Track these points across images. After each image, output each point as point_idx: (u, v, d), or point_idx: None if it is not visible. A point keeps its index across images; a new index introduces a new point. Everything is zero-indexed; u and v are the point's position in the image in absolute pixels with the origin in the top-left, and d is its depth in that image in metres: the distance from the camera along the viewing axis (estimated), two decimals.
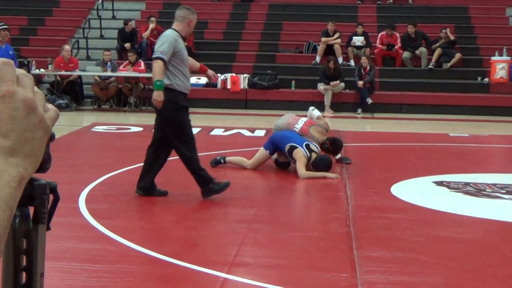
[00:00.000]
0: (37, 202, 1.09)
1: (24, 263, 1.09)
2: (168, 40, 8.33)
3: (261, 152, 10.37)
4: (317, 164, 9.89)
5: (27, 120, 0.98)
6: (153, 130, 8.73)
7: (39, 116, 1.00)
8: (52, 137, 1.04)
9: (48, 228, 1.13)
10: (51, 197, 1.13)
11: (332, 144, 10.47)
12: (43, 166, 1.04)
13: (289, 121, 10.65)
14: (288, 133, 10.30)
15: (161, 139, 8.46)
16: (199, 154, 11.90)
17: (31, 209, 1.10)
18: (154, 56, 8.32)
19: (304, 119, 10.70)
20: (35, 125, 0.99)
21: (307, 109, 19.55)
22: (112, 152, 12.25)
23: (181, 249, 6.36)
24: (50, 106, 1.05)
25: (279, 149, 10.17)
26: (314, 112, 11.30)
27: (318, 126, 10.54)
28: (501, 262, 6.24)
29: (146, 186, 8.43)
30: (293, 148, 9.96)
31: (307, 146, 9.97)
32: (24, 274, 1.09)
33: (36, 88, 1.03)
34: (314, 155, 9.95)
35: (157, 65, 8.22)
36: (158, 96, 8.21)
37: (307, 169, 9.90)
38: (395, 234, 7.23)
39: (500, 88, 20.26)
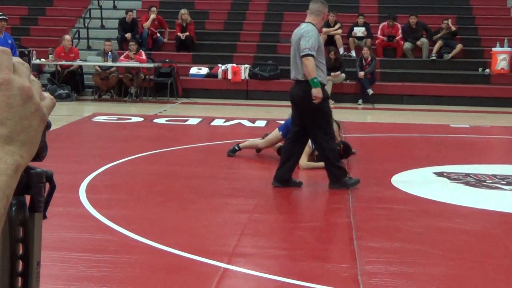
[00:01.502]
0: (34, 190, 1.09)
1: (21, 251, 1.09)
2: (313, 35, 8.48)
3: (275, 133, 10.39)
4: (321, 156, 9.86)
5: (23, 108, 0.98)
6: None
7: (35, 104, 0.99)
8: (48, 126, 1.04)
9: (45, 217, 1.13)
10: (47, 186, 1.12)
11: (344, 149, 10.43)
12: (40, 155, 1.04)
13: None
14: None
15: (298, 132, 8.63)
16: (200, 144, 11.94)
17: (28, 198, 1.10)
18: (303, 53, 8.38)
19: None
20: (31, 113, 0.98)
21: None
22: (113, 142, 12.25)
23: (182, 239, 6.36)
24: (46, 94, 1.05)
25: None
26: None
27: (337, 123, 10.54)
28: (502, 253, 6.24)
29: (284, 178, 8.56)
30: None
31: None
32: (20, 262, 1.09)
33: (32, 77, 1.03)
34: None
35: (310, 62, 8.36)
36: (318, 93, 8.33)
37: (312, 160, 9.90)
38: (395, 225, 7.24)
39: (501, 79, 20.24)
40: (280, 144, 10.39)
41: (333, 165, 8.56)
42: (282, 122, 14.63)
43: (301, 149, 8.87)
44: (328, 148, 8.52)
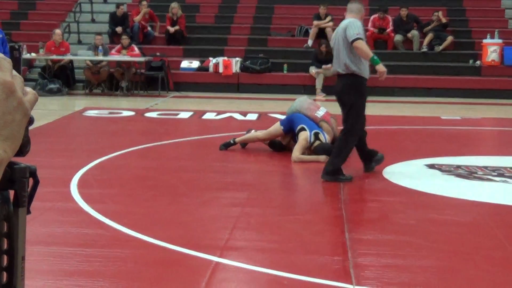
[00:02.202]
0: (17, 185, 1.08)
1: (5, 246, 1.08)
2: (359, 25, 8.75)
3: (276, 126, 10.37)
4: (318, 151, 9.86)
5: (6, 103, 0.97)
6: None
7: (18, 99, 0.99)
8: (31, 121, 1.03)
9: (29, 212, 1.12)
10: (31, 181, 1.12)
11: None
12: (23, 150, 1.04)
13: (310, 106, 10.52)
14: (306, 117, 10.23)
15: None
16: (192, 138, 11.93)
17: (12, 193, 1.09)
18: (353, 38, 8.55)
19: (324, 108, 10.65)
20: (14, 108, 0.98)
21: (299, 93, 19.62)
22: (104, 136, 12.23)
23: (173, 233, 6.35)
24: (28, 89, 1.04)
25: (292, 129, 10.16)
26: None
27: (334, 119, 10.55)
28: (492, 244, 6.26)
29: (333, 170, 8.60)
30: (302, 129, 10.00)
31: (316, 134, 9.96)
32: (5, 257, 1.08)
33: (14, 72, 1.02)
34: (317, 143, 9.94)
35: (362, 44, 8.59)
36: (382, 67, 8.83)
37: (307, 154, 9.91)
38: (387, 217, 7.25)
39: (492, 71, 20.27)
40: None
41: (338, 155, 8.63)
42: (273, 115, 14.66)
43: (363, 136, 9.06)
44: (350, 141, 8.70)
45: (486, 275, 5.47)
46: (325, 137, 10.01)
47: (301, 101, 10.68)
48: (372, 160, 9.15)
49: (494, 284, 5.32)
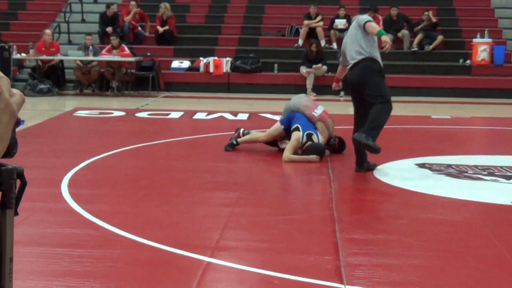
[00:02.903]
0: (5, 187, 1.08)
1: None
2: (369, 17, 9.38)
3: (277, 127, 10.33)
4: (309, 151, 9.85)
5: None
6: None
7: (4, 101, 0.98)
8: (18, 122, 1.03)
9: (16, 213, 1.12)
10: (18, 182, 1.11)
11: (340, 144, 10.48)
12: (10, 151, 1.03)
13: (307, 104, 10.49)
14: (304, 117, 10.20)
15: (364, 118, 8.99)
16: (182, 138, 11.92)
17: None
18: (364, 21, 9.08)
19: (322, 107, 10.63)
20: (1, 109, 0.98)
21: (290, 93, 19.63)
22: (95, 136, 12.21)
23: (164, 233, 6.35)
24: (15, 91, 1.04)
25: (290, 127, 10.15)
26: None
27: (331, 119, 10.54)
28: (483, 243, 6.27)
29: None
30: (296, 129, 10.00)
31: (309, 135, 9.95)
32: None
33: (0, 73, 1.02)
34: (309, 143, 9.92)
35: (372, 23, 9.13)
36: (387, 38, 9.16)
37: (299, 154, 9.91)
38: (377, 217, 7.26)
39: (482, 70, 20.33)
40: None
41: (375, 120, 8.89)
42: (264, 115, 14.66)
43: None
44: (382, 123, 8.95)
45: (477, 274, 5.48)
46: (318, 138, 10.00)
47: (299, 98, 10.69)
48: (365, 161, 9.20)
49: (484, 283, 5.33)
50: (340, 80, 10.09)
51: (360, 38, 9.10)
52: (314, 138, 9.95)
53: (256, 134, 10.63)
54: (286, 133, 10.23)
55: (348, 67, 9.32)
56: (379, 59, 9.18)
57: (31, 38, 20.78)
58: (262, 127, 12.45)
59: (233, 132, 10.94)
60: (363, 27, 9.05)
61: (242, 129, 10.88)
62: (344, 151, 10.45)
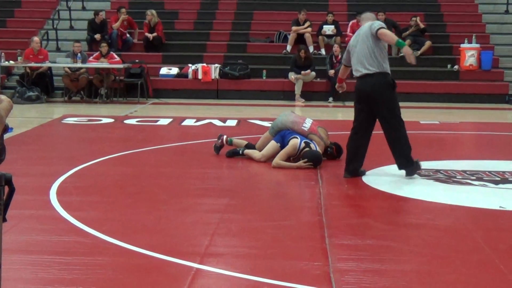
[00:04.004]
0: None
1: None
2: (380, 22, 9.38)
3: (273, 145, 10.23)
4: (306, 157, 9.83)
5: None
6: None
7: None
8: (6, 129, 1.03)
9: (5, 220, 1.12)
10: (6, 189, 1.11)
11: (337, 150, 10.50)
12: None
13: (295, 119, 10.36)
14: (296, 133, 10.17)
15: (361, 125, 9.21)
16: (171, 145, 11.91)
17: None
18: (377, 28, 8.96)
19: (310, 119, 10.57)
20: None
21: (278, 99, 19.67)
22: (83, 144, 12.19)
23: (153, 240, 6.34)
24: (3, 97, 1.04)
25: (285, 143, 10.10)
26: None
27: (323, 128, 10.53)
28: (472, 248, 6.29)
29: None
30: (294, 138, 9.99)
31: (307, 143, 9.95)
32: None
33: None
34: (306, 149, 9.91)
35: (386, 31, 9.06)
36: (409, 49, 9.37)
37: (295, 160, 9.91)
38: (366, 222, 7.27)
39: (470, 75, 20.40)
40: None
41: (403, 144, 9.15)
42: (253, 121, 14.66)
43: (368, 140, 9.29)
44: (405, 134, 9.16)
45: (466, 278, 5.50)
46: (316, 148, 10.00)
47: (286, 116, 10.51)
48: (359, 167, 9.29)
49: (473, 287, 5.35)
50: (344, 80, 10.05)
51: (372, 47, 9.00)
52: (312, 146, 9.95)
53: (254, 153, 10.45)
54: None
55: (357, 75, 9.18)
56: (389, 70, 9.24)
57: (19, 45, 20.74)
58: (250, 134, 12.47)
59: (216, 139, 10.89)
60: (376, 34, 8.94)
61: (225, 136, 10.85)
62: (341, 155, 10.51)
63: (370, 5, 23.02)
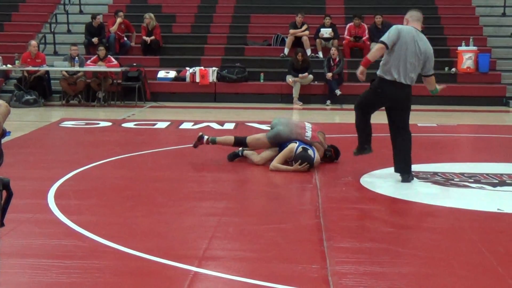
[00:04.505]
0: None
1: None
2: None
3: (273, 148, 10.23)
4: (298, 158, 9.83)
5: None
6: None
7: None
8: (4, 133, 1.04)
9: (2, 224, 1.12)
10: (4, 193, 1.12)
11: (336, 153, 10.52)
12: None
13: (297, 131, 10.21)
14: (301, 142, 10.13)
15: (393, 127, 9.46)
16: (169, 148, 11.91)
17: None
18: (432, 51, 9.27)
19: (309, 125, 10.50)
20: None
21: (276, 102, 19.66)
22: (81, 147, 12.19)
23: (151, 243, 6.34)
24: (1, 101, 1.05)
25: (284, 146, 10.09)
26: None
27: (321, 132, 10.52)
28: (470, 250, 6.29)
29: (404, 167, 9.27)
30: (290, 142, 9.99)
31: (305, 148, 9.93)
32: None
33: None
34: (301, 152, 9.89)
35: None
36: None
37: (286, 164, 9.90)
38: (364, 225, 7.27)
39: (467, 78, 20.41)
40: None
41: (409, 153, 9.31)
42: (251, 124, 14.66)
43: (407, 140, 9.44)
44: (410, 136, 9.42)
45: (464, 281, 5.50)
46: (314, 153, 9.99)
47: (288, 127, 10.33)
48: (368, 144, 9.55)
49: None
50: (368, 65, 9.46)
51: (420, 63, 9.26)
52: (310, 152, 9.94)
53: (253, 156, 10.43)
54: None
55: (402, 81, 9.19)
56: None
57: (16, 49, 20.74)
58: None
59: (196, 140, 10.74)
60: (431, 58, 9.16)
61: (206, 137, 10.70)
62: (339, 158, 10.53)
63: (367, 8, 23.09)
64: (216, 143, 10.63)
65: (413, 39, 8.96)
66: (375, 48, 9.20)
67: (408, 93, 9.37)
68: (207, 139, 10.63)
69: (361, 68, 9.32)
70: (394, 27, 9.09)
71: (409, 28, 9.02)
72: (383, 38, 9.05)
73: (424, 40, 9.06)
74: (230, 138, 10.68)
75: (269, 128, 10.65)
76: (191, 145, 10.81)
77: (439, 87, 9.71)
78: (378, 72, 9.21)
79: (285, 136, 10.15)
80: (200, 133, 10.81)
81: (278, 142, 10.20)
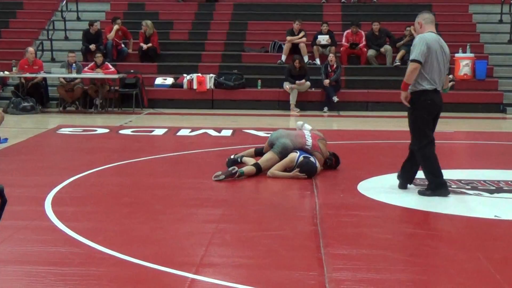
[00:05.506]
0: None
1: None
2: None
3: (273, 157, 10.21)
4: (301, 167, 9.83)
5: None
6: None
7: None
8: None
9: None
10: None
11: (336, 161, 10.52)
12: None
13: (298, 140, 10.21)
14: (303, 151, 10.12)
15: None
16: (166, 155, 11.91)
17: None
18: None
19: (308, 133, 10.48)
20: None
21: (273, 108, 19.67)
22: (78, 154, 12.18)
23: (149, 250, 6.34)
24: None
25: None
26: (306, 125, 11.05)
27: (322, 139, 10.51)
28: (466, 257, 6.29)
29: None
30: (291, 151, 9.99)
31: (305, 157, 9.93)
32: None
33: None
34: (304, 160, 9.89)
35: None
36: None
37: (291, 171, 9.90)
38: (362, 232, 7.26)
39: (464, 85, 20.44)
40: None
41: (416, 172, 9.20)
42: (248, 131, 14.66)
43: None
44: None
45: None
46: (316, 163, 9.99)
47: (288, 137, 10.30)
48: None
49: None
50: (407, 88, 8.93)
51: (446, 66, 9.10)
52: (312, 160, 9.93)
53: (252, 168, 10.38)
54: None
55: (438, 88, 9.01)
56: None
57: (14, 56, 20.75)
58: (246, 143, 12.47)
59: (227, 168, 10.18)
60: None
61: (237, 169, 10.22)
62: (339, 166, 10.53)
63: (364, 15, 23.13)
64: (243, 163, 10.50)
65: (439, 45, 8.88)
66: (410, 70, 8.69)
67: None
68: (238, 173, 9.91)
69: (403, 93, 8.86)
70: (419, 40, 8.76)
71: (432, 36, 8.89)
72: (415, 56, 8.67)
73: (444, 43, 9.02)
74: (251, 153, 10.71)
75: (268, 135, 10.62)
76: (219, 177, 9.95)
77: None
78: (415, 87, 8.83)
79: (291, 147, 10.16)
80: (234, 169, 9.98)
81: (287, 154, 10.14)
